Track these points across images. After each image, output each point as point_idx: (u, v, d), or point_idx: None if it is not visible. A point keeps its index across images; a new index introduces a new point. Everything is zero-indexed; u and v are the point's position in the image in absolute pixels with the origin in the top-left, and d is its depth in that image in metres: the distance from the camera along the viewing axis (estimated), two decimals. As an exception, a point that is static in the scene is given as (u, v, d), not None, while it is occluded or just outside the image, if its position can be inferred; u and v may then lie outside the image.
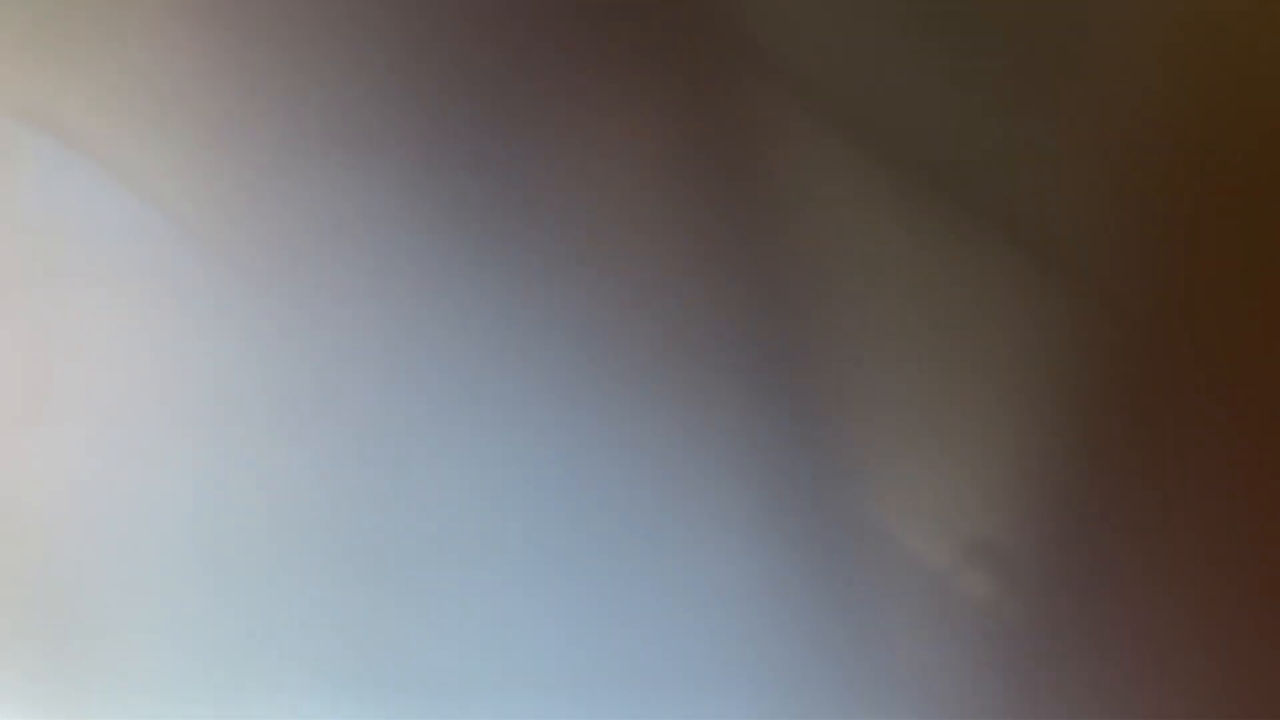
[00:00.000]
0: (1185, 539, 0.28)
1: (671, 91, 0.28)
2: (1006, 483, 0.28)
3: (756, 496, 0.28)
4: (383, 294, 0.28)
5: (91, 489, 0.29)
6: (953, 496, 0.28)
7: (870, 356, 0.28)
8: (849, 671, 0.28)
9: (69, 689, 0.29)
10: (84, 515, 0.29)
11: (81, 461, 0.29)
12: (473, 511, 0.29)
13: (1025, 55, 0.29)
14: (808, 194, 0.29)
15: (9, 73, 0.30)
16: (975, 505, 0.28)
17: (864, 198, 0.29)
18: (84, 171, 0.29)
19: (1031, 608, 0.28)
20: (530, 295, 0.28)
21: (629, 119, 0.28)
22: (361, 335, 0.29)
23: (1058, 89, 0.29)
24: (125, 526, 0.29)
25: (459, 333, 0.28)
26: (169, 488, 0.29)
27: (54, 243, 0.29)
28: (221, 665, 0.29)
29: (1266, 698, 0.28)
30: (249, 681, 0.29)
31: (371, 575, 0.29)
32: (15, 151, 0.29)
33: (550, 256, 0.28)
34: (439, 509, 0.29)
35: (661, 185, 0.29)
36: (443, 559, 0.28)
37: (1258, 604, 0.28)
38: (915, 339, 0.28)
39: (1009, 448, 0.28)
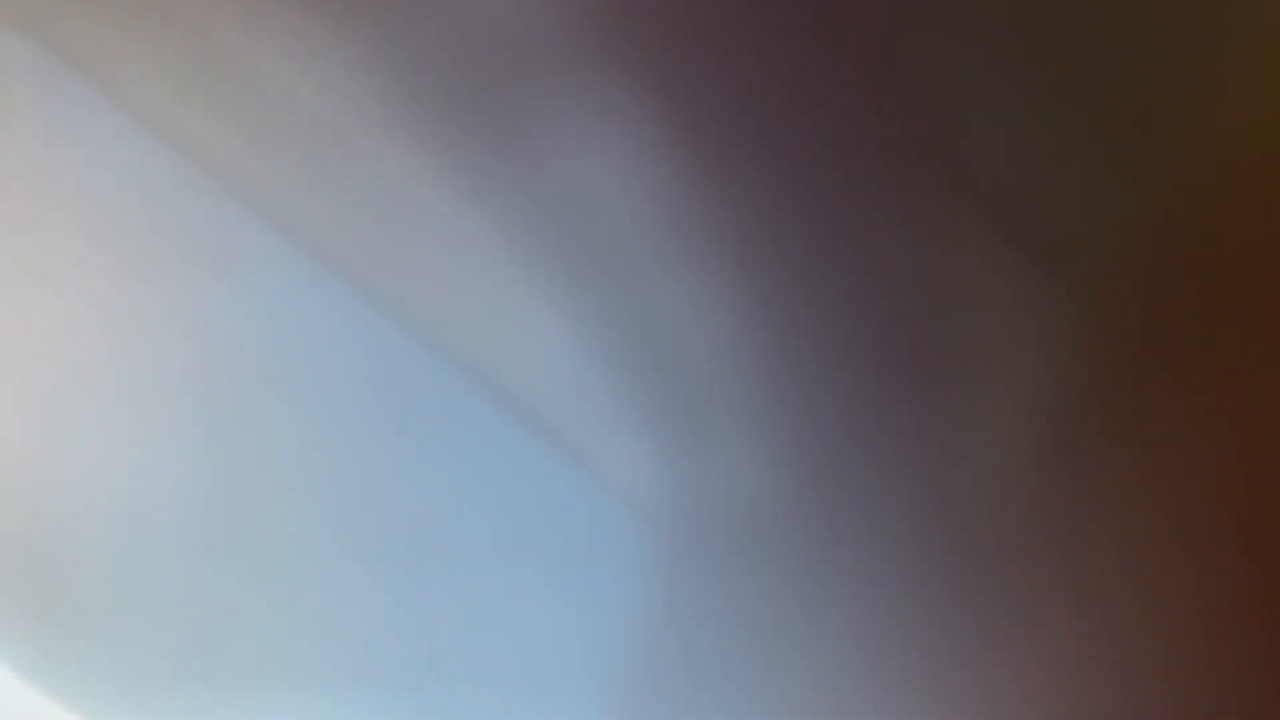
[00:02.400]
0: (1173, 537, 0.28)
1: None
2: (996, 475, 0.28)
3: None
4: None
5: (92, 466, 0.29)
6: (941, 487, 0.28)
7: (865, 350, 0.28)
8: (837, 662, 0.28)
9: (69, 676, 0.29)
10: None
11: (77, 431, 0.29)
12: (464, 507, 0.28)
13: (1037, 58, 0.29)
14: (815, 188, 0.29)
15: None
16: (963, 496, 0.28)
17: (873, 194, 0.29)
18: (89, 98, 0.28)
19: (1016, 608, 0.28)
20: None
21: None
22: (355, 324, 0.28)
23: (1066, 91, 0.29)
24: (122, 510, 0.28)
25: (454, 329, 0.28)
26: (164, 469, 0.28)
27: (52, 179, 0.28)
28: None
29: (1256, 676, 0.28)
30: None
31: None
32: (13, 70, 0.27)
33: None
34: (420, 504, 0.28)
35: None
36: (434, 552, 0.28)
37: (1251, 607, 0.28)
38: (910, 331, 0.28)
39: (998, 441, 0.28)
